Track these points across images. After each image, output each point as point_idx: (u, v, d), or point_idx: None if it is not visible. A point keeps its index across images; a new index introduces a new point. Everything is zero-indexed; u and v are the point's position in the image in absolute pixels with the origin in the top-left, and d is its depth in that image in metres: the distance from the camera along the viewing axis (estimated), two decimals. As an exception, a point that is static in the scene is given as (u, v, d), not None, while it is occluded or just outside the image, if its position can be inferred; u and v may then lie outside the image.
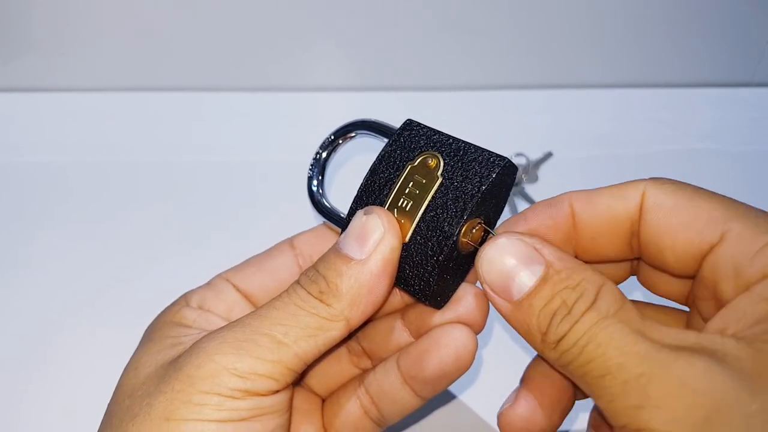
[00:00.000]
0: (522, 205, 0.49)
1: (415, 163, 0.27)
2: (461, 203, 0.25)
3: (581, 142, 0.54)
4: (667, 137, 0.54)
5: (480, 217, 0.26)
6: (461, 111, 0.56)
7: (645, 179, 0.25)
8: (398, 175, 0.27)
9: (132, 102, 0.56)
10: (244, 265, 0.30)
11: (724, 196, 0.23)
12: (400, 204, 0.26)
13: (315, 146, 0.31)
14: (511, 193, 0.50)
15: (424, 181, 0.26)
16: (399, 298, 0.29)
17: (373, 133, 0.29)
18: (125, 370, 0.26)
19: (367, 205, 0.27)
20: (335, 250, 0.25)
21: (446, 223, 0.25)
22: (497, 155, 0.26)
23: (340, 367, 0.30)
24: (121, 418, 0.24)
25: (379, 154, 0.28)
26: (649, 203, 0.24)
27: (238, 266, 0.30)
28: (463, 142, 0.27)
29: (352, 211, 0.27)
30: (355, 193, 0.28)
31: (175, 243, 0.47)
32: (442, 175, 0.26)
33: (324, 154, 0.30)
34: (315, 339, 0.24)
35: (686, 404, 0.19)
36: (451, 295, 0.28)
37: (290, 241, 0.31)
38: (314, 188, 0.30)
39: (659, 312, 0.27)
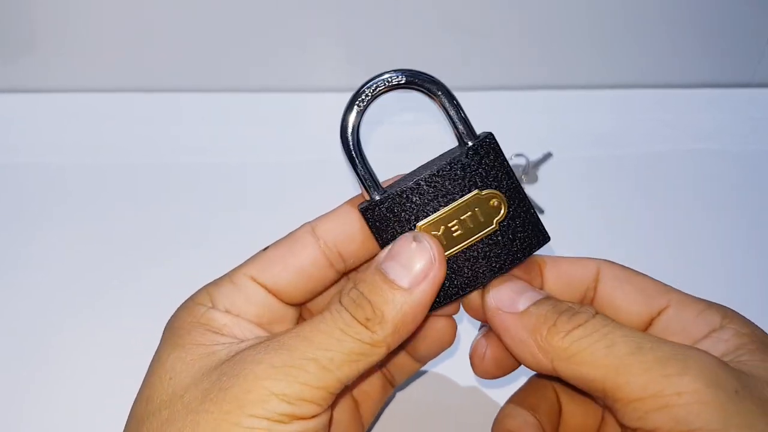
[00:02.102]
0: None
1: (482, 194, 0.27)
2: (501, 264, 0.27)
3: (581, 142, 0.54)
4: (667, 137, 0.54)
5: None
6: (461, 111, 0.56)
7: (599, 259, 0.30)
8: (461, 195, 0.27)
9: (132, 103, 0.56)
10: (268, 262, 0.29)
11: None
12: (450, 225, 0.27)
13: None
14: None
15: (482, 219, 0.27)
16: None
17: (443, 108, 0.27)
18: (154, 374, 0.26)
19: (415, 200, 0.27)
20: (381, 274, 0.25)
21: (482, 273, 0.28)
22: (544, 232, 0.28)
23: None
24: (161, 428, 0.24)
25: (451, 159, 0.27)
26: (605, 273, 0.29)
27: (261, 261, 0.29)
28: (528, 199, 0.28)
29: (398, 199, 0.27)
30: (408, 180, 0.27)
31: (175, 244, 0.47)
32: (499, 224, 0.27)
33: (371, 92, 0.27)
34: (357, 364, 0.25)
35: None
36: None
37: (312, 230, 0.29)
38: (351, 130, 0.27)
39: None
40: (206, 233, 0.47)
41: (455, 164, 0.27)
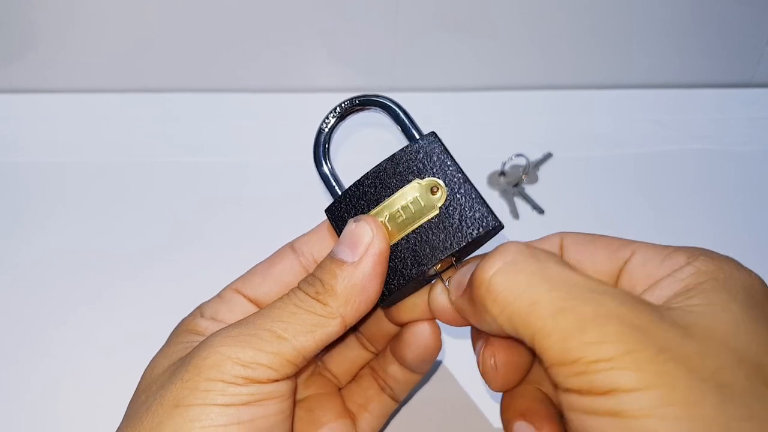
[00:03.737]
0: (522, 206, 0.49)
1: (422, 182, 0.29)
2: (446, 245, 0.28)
3: (581, 142, 0.54)
4: (666, 138, 0.54)
5: (453, 255, 0.29)
6: (461, 112, 0.56)
7: (559, 232, 0.30)
8: (402, 185, 0.29)
9: (131, 103, 0.56)
10: (251, 274, 0.32)
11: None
12: (393, 211, 0.29)
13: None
14: (511, 194, 0.50)
15: (422, 203, 0.29)
16: None
17: (391, 118, 0.31)
18: (143, 373, 0.28)
19: (363, 195, 0.30)
20: (330, 257, 0.28)
21: (426, 254, 0.28)
22: (492, 216, 0.28)
23: (355, 352, 0.34)
24: (137, 410, 0.26)
25: (393, 154, 0.30)
26: (568, 241, 0.29)
27: (245, 276, 0.32)
28: (471, 185, 0.29)
29: (350, 196, 0.30)
30: (357, 178, 0.30)
31: (175, 243, 0.47)
32: (440, 208, 0.28)
33: (340, 112, 0.31)
34: (313, 335, 0.26)
35: (642, 342, 0.21)
36: (399, 300, 0.31)
37: (291, 245, 0.32)
38: (321, 146, 0.32)
39: None
40: (204, 232, 0.47)
41: (395, 159, 0.30)
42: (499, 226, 0.28)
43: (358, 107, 0.32)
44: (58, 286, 0.44)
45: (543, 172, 0.52)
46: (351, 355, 0.34)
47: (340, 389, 0.34)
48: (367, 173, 0.30)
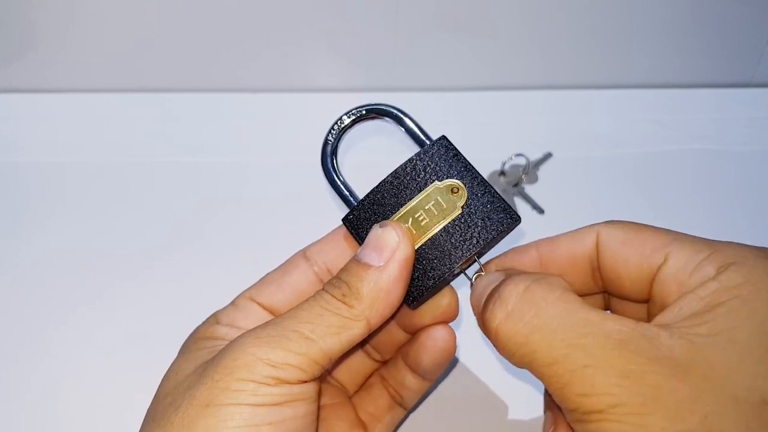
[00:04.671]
0: (521, 206, 0.49)
1: (441, 185, 0.29)
2: (471, 243, 0.29)
3: (581, 142, 0.54)
4: (666, 138, 0.54)
5: (479, 253, 0.30)
6: (461, 111, 0.56)
7: (597, 223, 0.30)
8: (422, 189, 0.30)
9: (131, 103, 0.56)
10: (265, 284, 0.32)
11: (665, 228, 0.28)
12: (416, 216, 0.29)
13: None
14: (510, 194, 0.50)
15: (444, 205, 0.29)
16: None
17: (400, 126, 0.31)
18: (164, 376, 0.28)
19: (383, 201, 0.30)
20: (355, 260, 0.28)
21: (452, 255, 0.29)
22: (512, 212, 0.29)
23: (361, 361, 0.35)
24: (164, 411, 0.26)
25: (408, 160, 0.30)
26: (604, 239, 0.29)
27: (258, 284, 0.32)
28: (488, 183, 0.29)
29: (368, 203, 0.30)
30: (375, 185, 0.30)
31: (175, 242, 0.47)
32: (462, 208, 0.29)
33: (347, 122, 0.32)
34: (339, 336, 0.27)
35: (628, 392, 0.22)
36: (426, 301, 0.31)
37: (303, 253, 0.32)
38: (329, 156, 0.32)
39: None
40: (204, 232, 0.47)
41: (412, 164, 0.30)
42: (518, 220, 0.29)
43: (366, 117, 0.32)
44: (58, 286, 0.44)
45: (543, 171, 0.52)
46: (356, 364, 0.34)
47: (350, 398, 0.34)
48: (384, 180, 0.30)
